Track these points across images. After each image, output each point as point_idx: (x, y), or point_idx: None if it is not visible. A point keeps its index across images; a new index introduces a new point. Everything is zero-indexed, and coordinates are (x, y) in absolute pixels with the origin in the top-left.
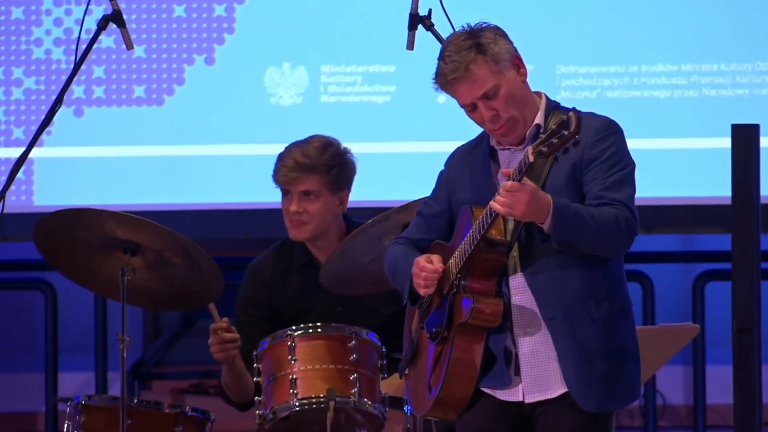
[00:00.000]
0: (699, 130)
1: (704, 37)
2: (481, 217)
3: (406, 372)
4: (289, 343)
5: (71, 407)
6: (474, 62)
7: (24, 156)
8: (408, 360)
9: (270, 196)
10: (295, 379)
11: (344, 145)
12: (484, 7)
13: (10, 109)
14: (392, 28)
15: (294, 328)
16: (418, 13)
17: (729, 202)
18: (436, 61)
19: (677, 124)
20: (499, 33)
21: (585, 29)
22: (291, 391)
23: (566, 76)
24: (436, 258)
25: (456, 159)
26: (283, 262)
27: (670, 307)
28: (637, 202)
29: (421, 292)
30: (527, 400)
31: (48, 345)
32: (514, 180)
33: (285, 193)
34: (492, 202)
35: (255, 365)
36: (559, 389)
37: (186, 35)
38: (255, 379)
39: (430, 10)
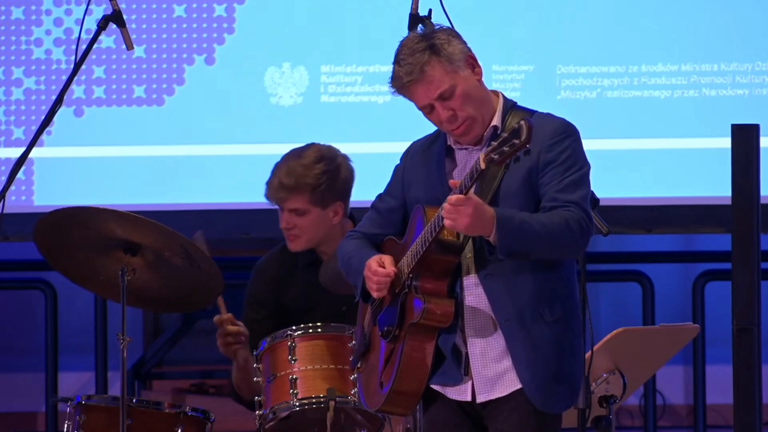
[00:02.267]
0: (699, 130)
1: (704, 37)
2: (433, 219)
3: (358, 365)
4: (289, 343)
5: (71, 407)
6: (428, 63)
7: (24, 156)
8: (360, 354)
9: None
10: (295, 379)
11: (342, 153)
12: (484, 7)
13: (10, 109)
14: (392, 28)
15: (294, 328)
16: (418, 13)
17: (729, 202)
18: (392, 65)
19: (677, 124)
20: (452, 34)
21: (585, 29)
22: (291, 391)
23: (566, 76)
24: (388, 260)
25: (411, 154)
26: (289, 261)
27: (670, 307)
28: (637, 202)
29: (374, 295)
30: (478, 400)
31: (48, 345)
32: (460, 192)
33: (279, 208)
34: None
35: (255, 365)
36: (509, 387)
37: (186, 35)
38: (255, 379)
39: (430, 11)
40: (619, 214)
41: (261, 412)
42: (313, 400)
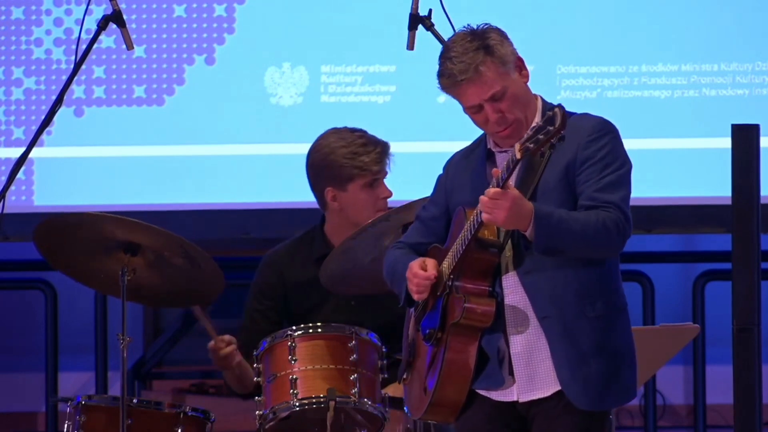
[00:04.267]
0: (699, 130)
1: (704, 37)
2: (472, 217)
3: (404, 376)
4: (289, 343)
5: (71, 407)
6: (483, 63)
7: (24, 156)
8: (406, 364)
9: (270, 196)
10: (296, 379)
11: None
12: (484, 7)
13: (10, 109)
14: (392, 28)
15: (294, 328)
16: (418, 13)
17: (729, 202)
18: (440, 62)
19: (677, 124)
20: (503, 35)
21: (585, 29)
22: (291, 391)
23: (566, 76)
24: (430, 263)
25: (454, 162)
26: (301, 254)
27: (670, 307)
28: (637, 202)
29: (415, 297)
30: (521, 400)
31: (48, 345)
32: (498, 186)
33: (373, 182)
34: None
35: (255, 365)
36: (552, 388)
37: (186, 35)
38: (255, 379)
39: (430, 10)
40: None
41: (261, 412)
42: (313, 400)
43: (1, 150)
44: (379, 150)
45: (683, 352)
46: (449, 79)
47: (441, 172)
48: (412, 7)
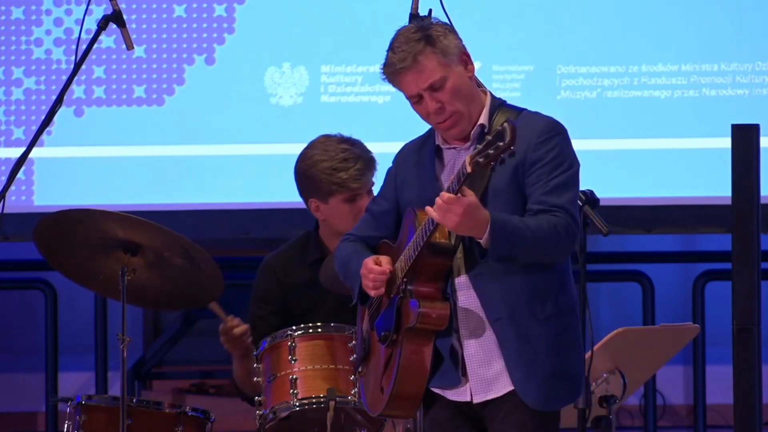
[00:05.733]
0: (699, 130)
1: (704, 37)
2: (424, 222)
3: (359, 370)
4: (289, 343)
5: (71, 407)
6: (422, 53)
7: (24, 156)
8: (360, 359)
9: (270, 196)
10: (296, 379)
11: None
12: (484, 7)
13: (10, 109)
14: (392, 28)
15: (294, 328)
16: (418, 13)
17: (729, 202)
18: (386, 53)
19: (677, 124)
20: (448, 28)
21: (585, 29)
22: (291, 391)
23: (566, 76)
24: (384, 260)
25: (403, 156)
26: (297, 257)
27: (670, 307)
28: (637, 202)
29: (371, 293)
30: (475, 401)
31: (48, 345)
32: (451, 191)
33: (352, 199)
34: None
35: (255, 365)
36: (505, 388)
37: (186, 35)
38: (255, 379)
39: (430, 11)
40: (619, 214)
41: (261, 412)
42: (313, 400)
43: (1, 150)
44: (360, 166)
45: (683, 352)
46: (389, 68)
47: (391, 165)
48: (412, 7)
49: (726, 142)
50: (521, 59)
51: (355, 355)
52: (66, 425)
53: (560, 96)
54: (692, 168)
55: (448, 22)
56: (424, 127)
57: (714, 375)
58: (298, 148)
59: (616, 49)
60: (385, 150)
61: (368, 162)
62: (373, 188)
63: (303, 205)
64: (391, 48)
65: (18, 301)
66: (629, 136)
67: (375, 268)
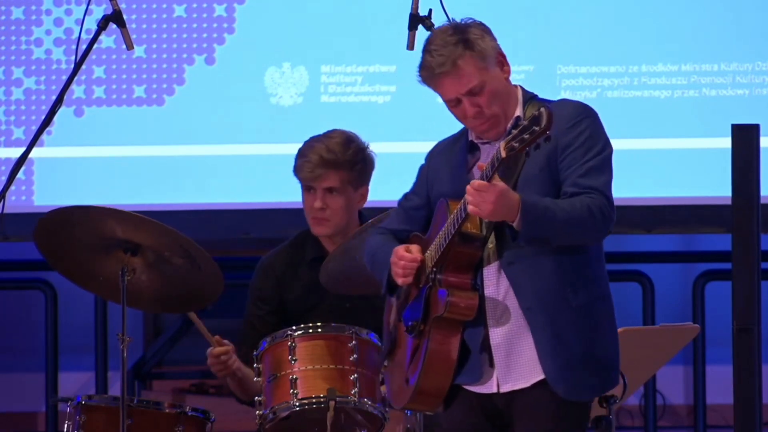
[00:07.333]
0: (699, 130)
1: (704, 37)
2: (456, 210)
3: (385, 364)
4: (289, 343)
5: (71, 407)
6: (461, 57)
7: (24, 156)
8: (386, 352)
9: (270, 196)
10: (296, 379)
11: (363, 140)
12: (484, 7)
13: (10, 109)
14: (392, 28)
15: (294, 327)
16: (418, 13)
17: (729, 202)
18: (422, 54)
19: (677, 124)
20: (485, 29)
21: (585, 29)
22: (291, 391)
23: (566, 76)
24: (414, 248)
25: (436, 153)
26: (294, 257)
27: (670, 307)
28: (637, 202)
29: (399, 281)
30: (502, 390)
31: (48, 345)
32: (484, 178)
33: (307, 189)
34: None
35: (255, 365)
36: (533, 377)
37: (186, 35)
38: (255, 379)
39: (430, 10)
40: (619, 214)
41: (261, 412)
42: (313, 400)
43: (1, 150)
44: (311, 160)
45: (683, 352)
46: (427, 72)
47: (423, 162)
48: (412, 7)
49: (726, 142)
50: (521, 59)
51: (380, 351)
52: (66, 425)
53: (560, 96)
54: (692, 168)
55: (448, 21)
56: (424, 127)
57: (714, 375)
58: (297, 149)
59: (616, 49)
60: (385, 150)
61: (323, 160)
62: (337, 191)
63: (303, 205)
64: (428, 50)
65: (18, 301)
66: (629, 136)
67: (406, 255)
